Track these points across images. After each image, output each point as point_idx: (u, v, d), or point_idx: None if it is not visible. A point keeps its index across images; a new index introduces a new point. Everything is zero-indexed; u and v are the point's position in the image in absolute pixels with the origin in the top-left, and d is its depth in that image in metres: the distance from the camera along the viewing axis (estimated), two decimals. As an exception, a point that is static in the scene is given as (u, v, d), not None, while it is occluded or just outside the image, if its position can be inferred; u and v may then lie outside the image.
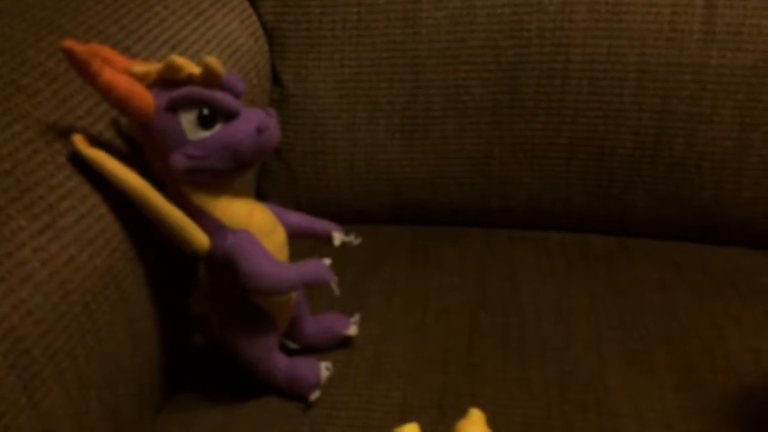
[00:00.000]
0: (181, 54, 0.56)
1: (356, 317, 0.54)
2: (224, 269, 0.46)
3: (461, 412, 0.43)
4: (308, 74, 0.68)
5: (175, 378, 0.53)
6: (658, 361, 0.52)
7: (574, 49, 0.63)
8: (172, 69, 0.42)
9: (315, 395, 0.49)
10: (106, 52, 0.43)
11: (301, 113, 0.69)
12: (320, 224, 0.52)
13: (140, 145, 0.46)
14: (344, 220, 0.60)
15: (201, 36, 0.59)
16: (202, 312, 0.53)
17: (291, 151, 0.70)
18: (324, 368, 0.49)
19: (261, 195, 0.73)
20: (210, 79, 0.42)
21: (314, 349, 0.53)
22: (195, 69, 0.42)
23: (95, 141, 0.44)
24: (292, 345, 0.53)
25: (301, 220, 0.52)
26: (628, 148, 0.65)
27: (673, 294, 0.59)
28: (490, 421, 0.42)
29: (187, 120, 0.43)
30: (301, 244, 0.52)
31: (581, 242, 0.68)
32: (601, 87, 0.64)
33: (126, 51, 0.52)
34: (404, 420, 0.47)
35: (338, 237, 0.51)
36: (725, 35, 0.61)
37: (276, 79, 0.70)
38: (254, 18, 0.68)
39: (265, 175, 0.72)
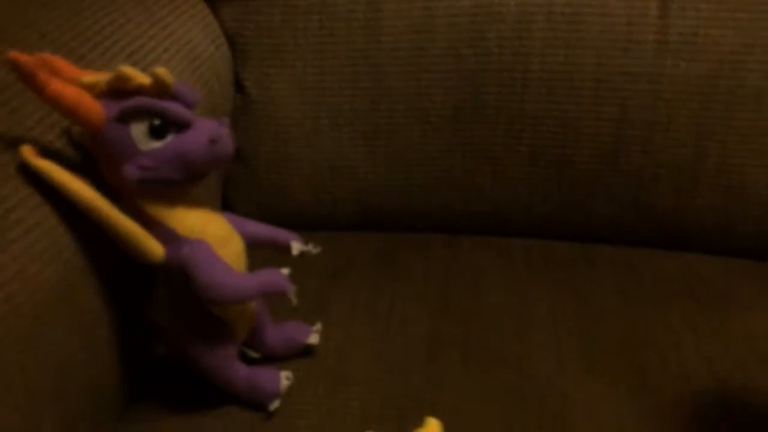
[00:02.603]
0: (139, 61, 0.56)
1: (318, 326, 0.54)
2: (180, 279, 0.46)
3: (421, 422, 0.43)
4: (271, 81, 0.68)
5: (135, 387, 0.52)
6: (615, 368, 0.52)
7: (532, 59, 0.64)
8: (121, 79, 0.42)
9: (275, 405, 0.49)
10: (56, 61, 0.42)
11: (264, 120, 0.69)
12: (280, 233, 0.52)
13: (92, 155, 0.46)
14: (308, 227, 0.60)
15: (159, 43, 0.59)
16: (161, 321, 0.52)
17: (254, 157, 0.70)
18: (284, 377, 0.49)
19: (226, 201, 0.72)
20: (160, 89, 0.42)
21: (275, 358, 0.53)
22: (145, 79, 0.42)
23: (45, 151, 0.44)
24: (253, 354, 0.53)
25: (260, 229, 0.52)
26: (587, 156, 0.66)
27: (632, 300, 0.60)
28: (449, 430, 0.42)
29: (138, 131, 0.42)
30: (265, 253, 0.52)
31: (544, 249, 0.69)
32: (560, 96, 0.65)
33: (81, 59, 0.51)
34: (364, 429, 0.47)
35: (296, 246, 0.51)
36: (679, 45, 0.62)
37: (239, 86, 0.70)
38: (215, 25, 0.68)
39: (230, 182, 0.71)
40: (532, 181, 0.68)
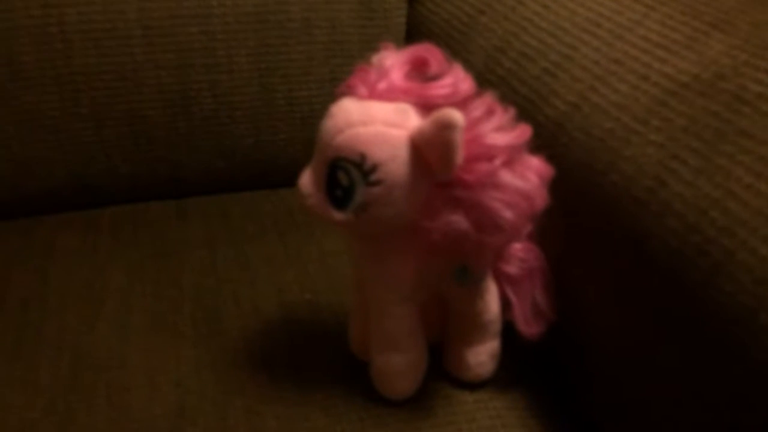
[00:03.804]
0: None
1: None
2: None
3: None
4: None
5: None
6: (184, 320, 0.51)
7: (66, 9, 0.58)
8: None
9: None
10: None
11: None
12: None
13: None
14: None
15: None
16: None
17: None
18: None
19: None
20: None
21: None
22: None
23: None
24: None
25: None
26: (157, 108, 0.63)
27: (216, 247, 0.59)
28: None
29: None
30: None
31: (136, 213, 0.64)
32: (108, 47, 0.60)
33: None
34: None
35: None
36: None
37: None
38: None
39: None
40: (106, 143, 0.63)
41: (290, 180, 0.69)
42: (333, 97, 0.41)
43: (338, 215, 0.39)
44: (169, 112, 0.63)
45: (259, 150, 0.67)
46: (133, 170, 0.65)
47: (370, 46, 0.68)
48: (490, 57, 0.54)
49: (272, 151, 0.68)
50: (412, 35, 0.68)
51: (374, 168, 0.37)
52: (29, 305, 0.52)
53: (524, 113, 0.44)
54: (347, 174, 0.37)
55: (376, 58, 0.39)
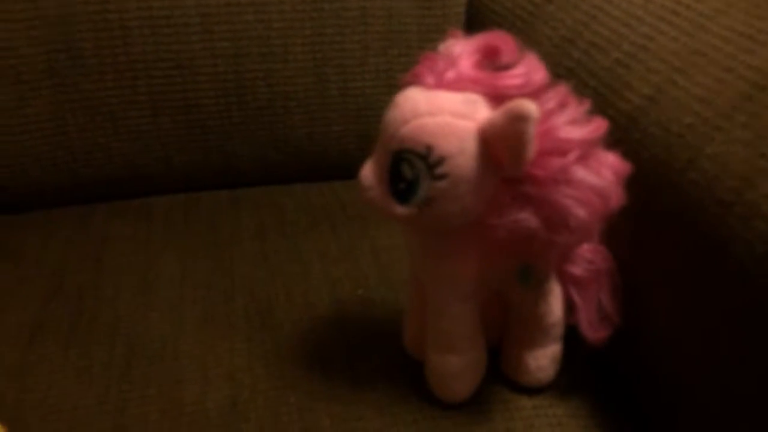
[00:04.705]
0: None
1: None
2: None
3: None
4: None
5: None
6: (236, 312, 0.50)
7: (126, -4, 0.58)
8: None
9: None
10: None
11: None
12: None
13: None
14: None
15: None
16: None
17: None
18: None
19: None
20: None
21: None
22: None
23: None
24: None
25: None
26: (212, 97, 0.62)
27: (269, 238, 0.59)
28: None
29: None
30: None
31: (189, 202, 0.64)
32: (167, 35, 0.59)
33: None
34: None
35: None
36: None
37: None
38: None
39: None
40: (161, 132, 0.63)
41: (343, 173, 0.68)
42: (389, 89, 0.40)
43: (400, 210, 0.37)
44: (224, 102, 0.63)
45: (313, 141, 0.66)
46: (188, 159, 0.65)
47: (428, 36, 0.68)
48: (557, 48, 0.52)
49: (325, 142, 0.67)
50: (472, 25, 0.66)
51: (440, 161, 0.35)
52: (84, 293, 0.52)
53: (594, 107, 0.41)
54: (412, 166, 0.36)
55: (443, 46, 0.38)
